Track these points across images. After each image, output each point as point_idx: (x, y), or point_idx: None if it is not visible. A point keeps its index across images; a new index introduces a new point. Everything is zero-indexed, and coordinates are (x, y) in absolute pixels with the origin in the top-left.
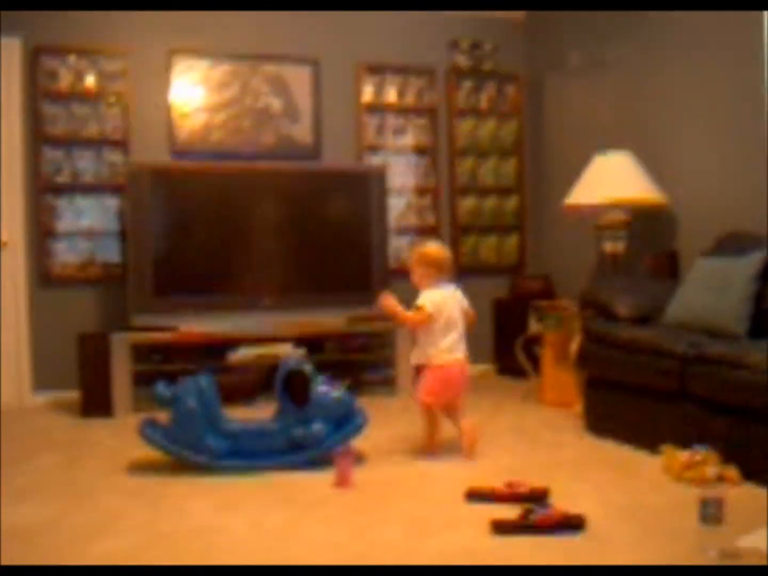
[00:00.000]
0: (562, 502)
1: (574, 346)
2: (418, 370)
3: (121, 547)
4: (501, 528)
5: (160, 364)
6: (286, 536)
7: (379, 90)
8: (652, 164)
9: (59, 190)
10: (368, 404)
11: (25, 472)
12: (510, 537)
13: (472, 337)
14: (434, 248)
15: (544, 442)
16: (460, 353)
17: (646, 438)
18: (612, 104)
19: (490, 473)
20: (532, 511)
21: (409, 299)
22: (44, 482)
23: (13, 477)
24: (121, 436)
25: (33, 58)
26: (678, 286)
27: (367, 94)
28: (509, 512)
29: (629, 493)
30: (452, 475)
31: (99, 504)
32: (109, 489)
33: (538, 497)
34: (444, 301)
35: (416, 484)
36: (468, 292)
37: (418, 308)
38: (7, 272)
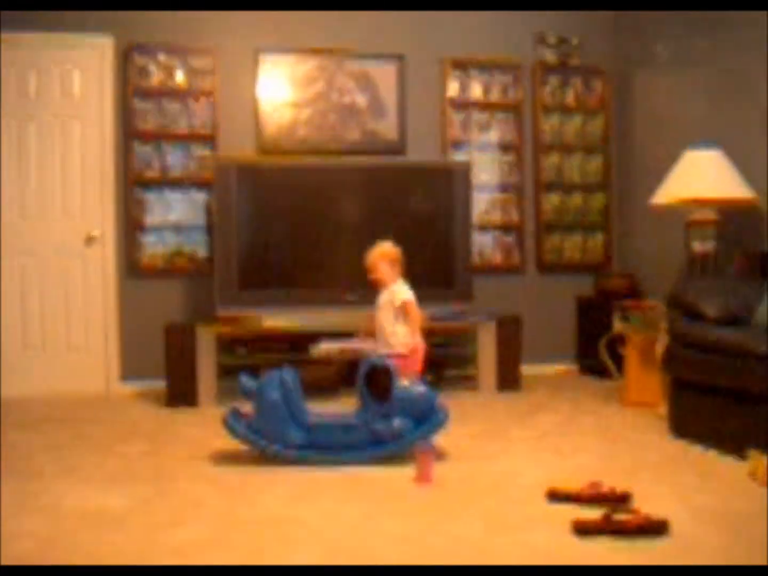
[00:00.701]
0: (644, 505)
1: (660, 346)
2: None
3: (199, 535)
4: (582, 529)
5: (244, 356)
6: (362, 529)
7: (464, 85)
8: (743, 161)
9: (149, 184)
10: (449, 400)
11: (112, 458)
12: (591, 539)
13: (553, 335)
14: (393, 247)
15: (626, 443)
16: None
17: (733, 442)
18: (701, 99)
19: (571, 473)
20: (614, 514)
21: (490, 297)
22: (130, 469)
23: (101, 463)
24: (204, 426)
25: (124, 56)
26: None
27: (452, 89)
28: (590, 513)
29: (714, 498)
30: (532, 474)
31: (181, 492)
32: (192, 477)
33: (620, 499)
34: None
35: (496, 482)
36: (551, 290)
37: (407, 303)
38: (98, 264)
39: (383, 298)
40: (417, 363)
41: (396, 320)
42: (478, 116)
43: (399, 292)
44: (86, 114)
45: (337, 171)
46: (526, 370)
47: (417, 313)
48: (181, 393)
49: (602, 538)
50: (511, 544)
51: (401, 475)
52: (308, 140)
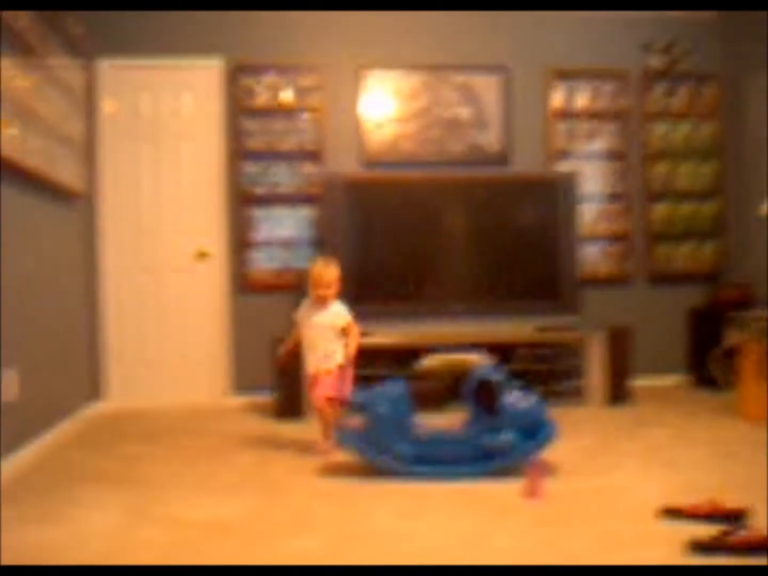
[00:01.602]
0: (760, 523)
1: None
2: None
3: (311, 546)
4: (699, 546)
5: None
6: (473, 544)
7: (568, 95)
8: None
9: (257, 201)
10: (558, 415)
11: (225, 469)
12: (706, 556)
13: (664, 347)
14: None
15: (740, 457)
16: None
17: None
18: None
19: (684, 489)
20: (731, 532)
21: (599, 308)
22: (242, 480)
23: (215, 474)
24: (313, 438)
25: (232, 76)
26: None
27: (557, 99)
28: (703, 531)
29: None
30: (645, 489)
31: (291, 503)
32: (302, 489)
33: (736, 517)
34: None
35: (607, 497)
36: (661, 301)
37: (351, 324)
38: (209, 280)
39: (323, 317)
40: (350, 380)
41: (336, 339)
42: (583, 126)
43: (340, 312)
44: (197, 134)
45: (441, 184)
46: (637, 382)
47: (356, 335)
48: (290, 405)
49: (718, 557)
50: (623, 562)
51: (510, 489)
52: (413, 154)
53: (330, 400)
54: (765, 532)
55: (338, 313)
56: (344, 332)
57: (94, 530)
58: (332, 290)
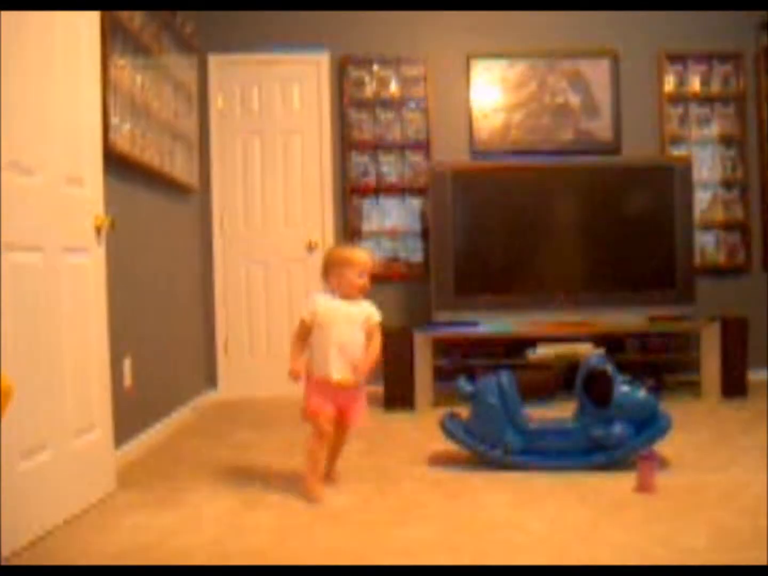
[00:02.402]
0: None
1: None
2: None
3: (421, 536)
4: None
5: (459, 360)
6: (586, 538)
7: (681, 79)
8: None
9: (366, 192)
10: (672, 407)
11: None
12: None
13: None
14: None
15: None
16: None
17: None
18: None
19: None
20: None
21: (714, 298)
22: (352, 469)
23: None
24: (421, 428)
25: (340, 69)
26: None
27: (669, 83)
28: None
29: None
30: (761, 486)
31: (401, 492)
32: (410, 478)
33: None
34: None
35: (723, 493)
36: None
37: (377, 327)
38: (318, 271)
39: (356, 313)
40: (364, 400)
41: (361, 343)
42: (697, 110)
43: (373, 311)
44: (305, 126)
45: (551, 173)
46: (753, 375)
47: (379, 342)
48: (398, 396)
49: None
50: (738, 560)
51: (622, 483)
52: (521, 143)
53: (347, 422)
54: None
55: (371, 311)
56: (368, 335)
57: (207, 515)
58: (368, 282)
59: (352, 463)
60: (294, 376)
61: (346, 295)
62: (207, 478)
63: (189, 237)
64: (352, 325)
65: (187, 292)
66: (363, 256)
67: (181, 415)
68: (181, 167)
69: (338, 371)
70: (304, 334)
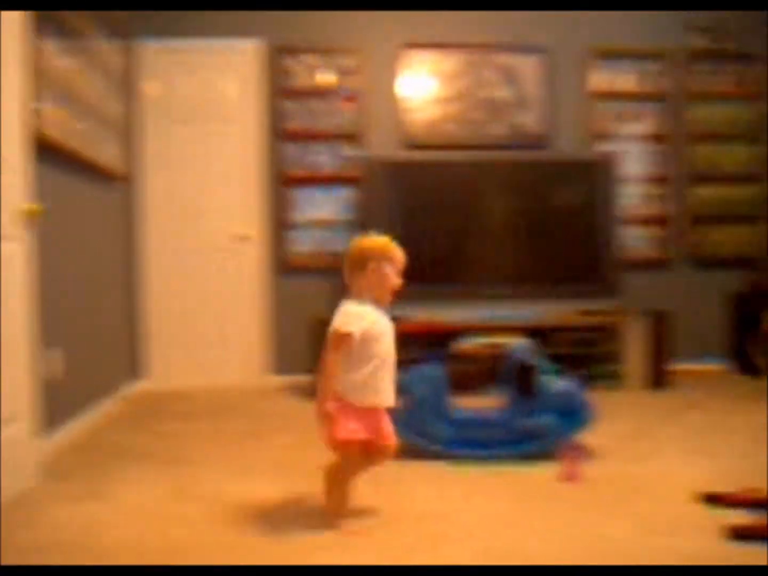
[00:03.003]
0: None
1: None
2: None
3: (349, 529)
4: (739, 533)
5: None
6: (513, 527)
7: (610, 76)
8: None
9: (297, 182)
10: (597, 399)
11: (262, 449)
12: (744, 544)
13: (705, 332)
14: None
15: None
16: None
17: None
18: None
19: (723, 476)
20: None
21: (639, 292)
22: (279, 460)
23: (253, 454)
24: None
25: (272, 58)
26: None
27: (598, 80)
28: (743, 518)
29: None
30: (683, 475)
31: None
32: None
33: None
34: None
35: (645, 482)
36: (702, 285)
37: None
38: (250, 262)
39: (388, 323)
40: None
41: None
42: (625, 107)
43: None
44: (237, 115)
45: (482, 166)
46: (677, 367)
47: None
48: None
49: (757, 544)
50: (659, 547)
51: (548, 473)
52: (453, 136)
53: (386, 441)
54: None
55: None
56: None
57: (133, 506)
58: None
59: (281, 454)
60: (330, 414)
61: (381, 299)
62: (134, 469)
63: (117, 225)
64: (391, 340)
65: (115, 281)
66: (393, 249)
67: (109, 405)
68: (110, 154)
69: (391, 395)
70: (346, 354)
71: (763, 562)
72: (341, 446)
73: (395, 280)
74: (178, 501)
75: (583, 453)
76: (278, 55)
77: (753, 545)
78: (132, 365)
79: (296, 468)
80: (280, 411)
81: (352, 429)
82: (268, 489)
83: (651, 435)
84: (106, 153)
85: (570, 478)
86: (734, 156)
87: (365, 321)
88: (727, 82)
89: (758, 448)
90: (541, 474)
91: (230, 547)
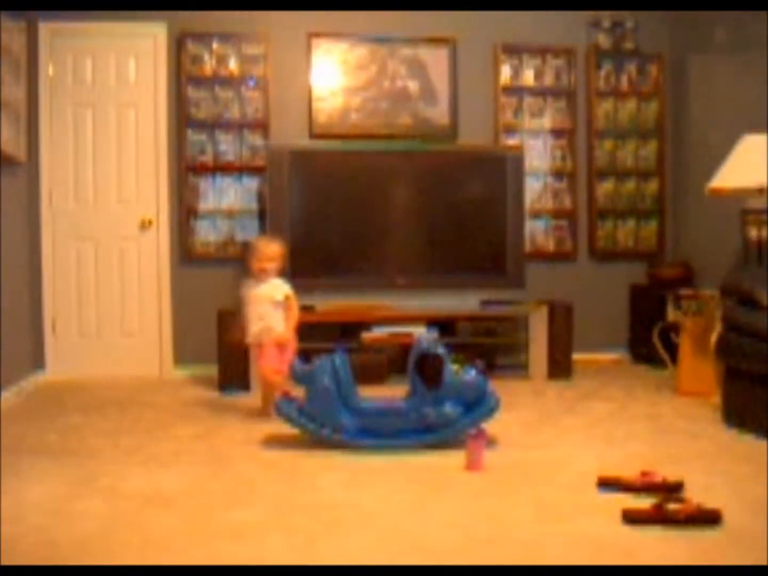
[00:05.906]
0: (697, 495)
1: (714, 335)
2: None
3: (253, 517)
4: (633, 517)
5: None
6: (415, 514)
7: (516, 71)
8: None
9: (202, 170)
10: (500, 388)
11: (167, 441)
12: (641, 527)
13: (606, 323)
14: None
15: (679, 432)
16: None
17: None
18: (759, 84)
19: (622, 462)
20: (666, 503)
21: (542, 284)
22: (185, 452)
23: (157, 446)
24: (256, 410)
25: (178, 43)
26: None
27: (505, 75)
28: (641, 502)
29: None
30: (583, 462)
31: (234, 474)
32: (245, 461)
33: (671, 488)
34: None
35: (547, 470)
36: (603, 278)
37: (291, 297)
38: (152, 250)
39: (264, 289)
40: (291, 354)
41: (276, 311)
42: (530, 102)
43: (281, 285)
44: (141, 101)
45: (388, 157)
46: (578, 358)
47: (297, 308)
48: (233, 377)
49: (653, 528)
50: (560, 533)
51: (452, 461)
52: (360, 126)
53: (274, 370)
54: (699, 504)
55: (278, 286)
56: (285, 305)
57: (33, 502)
58: (274, 264)
59: (185, 445)
60: (233, 341)
61: (256, 276)
62: (33, 464)
63: (15, 211)
64: (262, 300)
65: (13, 269)
66: (260, 244)
67: (7, 398)
68: (7, 138)
69: (254, 336)
70: (244, 309)
71: (660, 545)
72: (260, 376)
73: (257, 264)
74: (81, 495)
75: (487, 442)
76: (184, 41)
77: (646, 529)
78: (33, 357)
79: (199, 458)
80: (184, 402)
81: (260, 365)
82: (172, 480)
83: (554, 423)
84: (4, 137)
85: (474, 466)
86: (634, 152)
87: (245, 290)
88: (628, 80)
89: (656, 435)
90: (446, 463)
91: (138, 541)
